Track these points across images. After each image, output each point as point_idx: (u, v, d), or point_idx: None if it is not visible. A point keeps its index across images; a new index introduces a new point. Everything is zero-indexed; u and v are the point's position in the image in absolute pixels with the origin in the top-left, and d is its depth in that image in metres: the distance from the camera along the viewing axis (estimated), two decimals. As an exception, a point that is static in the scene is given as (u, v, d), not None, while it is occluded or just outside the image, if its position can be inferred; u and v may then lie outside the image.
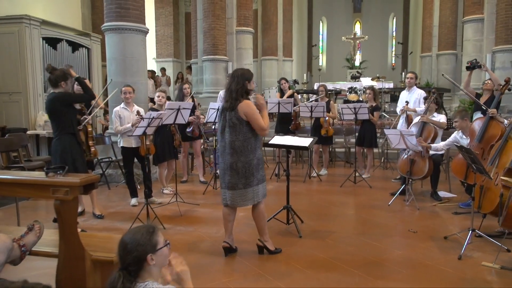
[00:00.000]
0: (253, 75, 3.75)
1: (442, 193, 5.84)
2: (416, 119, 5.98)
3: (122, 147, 5.40)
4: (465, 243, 3.77)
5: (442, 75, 6.35)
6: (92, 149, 5.04)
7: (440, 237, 4.23)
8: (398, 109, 7.01)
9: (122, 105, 5.48)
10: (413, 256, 3.79)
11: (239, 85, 3.57)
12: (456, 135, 5.33)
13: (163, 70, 14.79)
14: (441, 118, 5.84)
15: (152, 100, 10.70)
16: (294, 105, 7.23)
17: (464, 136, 5.24)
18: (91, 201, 5.11)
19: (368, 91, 7.38)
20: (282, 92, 7.81)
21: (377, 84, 12.52)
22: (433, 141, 5.61)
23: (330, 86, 14.10)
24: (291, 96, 7.56)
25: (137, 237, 1.87)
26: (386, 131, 6.08)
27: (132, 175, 5.53)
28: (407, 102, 6.62)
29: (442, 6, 15.09)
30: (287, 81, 7.87)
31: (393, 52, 24.17)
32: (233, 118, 3.54)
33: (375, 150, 8.55)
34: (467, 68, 6.02)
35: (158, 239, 1.91)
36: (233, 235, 3.89)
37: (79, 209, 5.10)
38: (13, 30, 8.40)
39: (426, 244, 4.07)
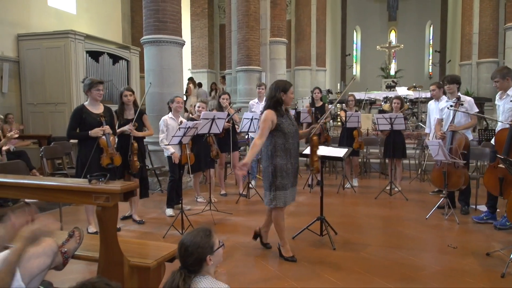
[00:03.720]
0: (290, 86, 3.84)
1: (482, 207, 5.59)
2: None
3: (168, 156, 5.50)
4: (509, 260, 3.60)
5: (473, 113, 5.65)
6: (136, 164, 5.05)
7: (481, 253, 4.05)
8: (428, 120, 6.77)
9: (170, 114, 5.58)
10: (453, 272, 3.65)
11: (272, 95, 3.77)
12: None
13: (199, 84, 14.85)
14: (470, 106, 5.46)
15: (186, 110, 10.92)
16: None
17: (499, 98, 4.97)
18: (131, 206, 5.32)
19: (395, 101, 7.12)
20: (313, 102, 7.77)
21: (413, 94, 12.26)
22: (466, 148, 5.33)
23: (362, 95, 13.93)
24: (322, 107, 7.52)
25: (197, 240, 2.02)
26: (428, 142, 5.82)
27: (175, 183, 5.57)
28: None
29: (482, 13, 14.66)
30: (320, 91, 7.82)
31: (430, 61, 23.63)
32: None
33: (412, 162, 8.40)
34: None
35: (214, 240, 2.08)
36: (273, 244, 4.05)
37: (127, 214, 5.36)
38: (60, 45, 8.86)
39: (467, 260, 3.91)
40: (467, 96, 5.78)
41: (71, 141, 8.19)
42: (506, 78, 4.84)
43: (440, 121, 5.84)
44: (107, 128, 4.53)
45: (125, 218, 5.33)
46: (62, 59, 8.84)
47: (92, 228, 4.80)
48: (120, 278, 2.59)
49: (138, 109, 5.14)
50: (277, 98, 3.72)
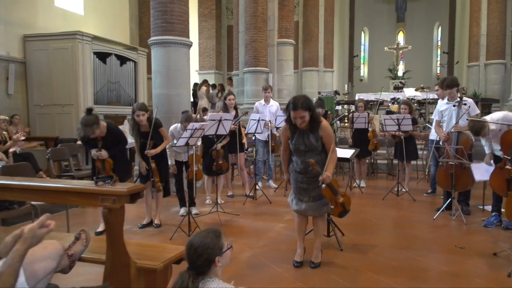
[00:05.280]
0: (295, 106, 3.50)
1: (489, 207, 5.52)
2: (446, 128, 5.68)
3: (175, 160, 5.54)
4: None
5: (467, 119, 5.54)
6: (158, 185, 5.02)
7: (489, 253, 4.03)
8: (434, 117, 6.70)
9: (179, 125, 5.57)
10: (461, 273, 3.63)
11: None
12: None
13: (212, 85, 14.68)
14: (472, 108, 5.41)
15: (205, 109, 10.92)
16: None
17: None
18: (148, 212, 5.31)
19: (403, 106, 7.03)
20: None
21: (421, 95, 12.18)
22: (471, 148, 5.32)
23: (372, 96, 13.88)
24: (324, 115, 7.51)
25: (206, 241, 2.03)
26: (472, 165, 5.39)
27: (182, 184, 5.64)
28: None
29: (490, 15, 14.59)
30: (323, 105, 7.77)
31: (438, 62, 23.47)
32: None
33: (419, 163, 8.36)
34: None
35: (224, 242, 2.09)
36: (280, 245, 4.06)
37: (145, 221, 5.25)
38: (67, 46, 8.91)
39: (474, 260, 3.90)
40: (468, 98, 5.74)
41: (78, 142, 8.27)
42: None
43: (438, 123, 5.85)
44: (101, 155, 4.55)
45: (144, 226, 5.18)
46: (69, 60, 8.88)
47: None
48: (126, 280, 2.59)
49: (152, 126, 4.91)
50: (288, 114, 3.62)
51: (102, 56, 9.67)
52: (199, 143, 5.48)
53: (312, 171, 3.57)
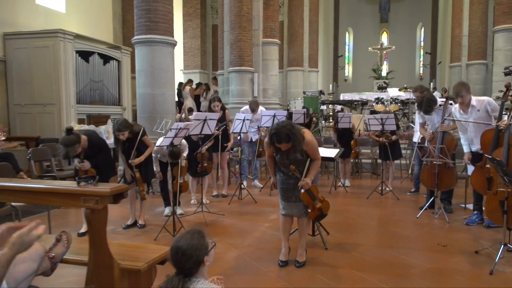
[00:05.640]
0: (278, 140, 3.49)
1: (471, 206, 5.61)
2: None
3: (159, 161, 5.49)
4: (497, 258, 3.65)
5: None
6: (142, 194, 5.01)
7: (471, 251, 4.11)
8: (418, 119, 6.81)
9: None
10: (443, 270, 3.69)
11: None
12: (453, 110, 5.07)
13: (197, 84, 14.59)
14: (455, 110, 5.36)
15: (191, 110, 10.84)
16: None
17: (462, 112, 4.94)
18: (136, 209, 5.26)
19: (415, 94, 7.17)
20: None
21: (404, 95, 12.34)
22: (454, 148, 5.41)
23: (356, 96, 14.02)
24: (308, 123, 7.60)
25: (193, 242, 2.01)
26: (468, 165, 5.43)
27: (166, 183, 5.61)
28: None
29: (471, 15, 14.85)
30: (307, 111, 7.91)
31: (421, 62, 23.85)
32: None
33: (403, 162, 8.47)
34: (506, 74, 5.74)
35: (208, 241, 2.08)
36: (265, 244, 4.02)
37: (129, 222, 5.20)
38: (48, 44, 8.73)
39: (456, 258, 3.96)
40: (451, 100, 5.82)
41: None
42: (469, 92, 4.88)
43: (423, 125, 5.94)
44: (83, 166, 4.54)
45: (128, 226, 5.13)
46: (51, 59, 8.70)
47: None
48: (110, 282, 2.56)
49: (138, 138, 4.89)
50: None
51: (84, 55, 9.52)
52: (185, 153, 5.43)
53: (294, 175, 3.65)
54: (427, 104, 5.42)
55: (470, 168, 5.12)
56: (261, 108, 7.61)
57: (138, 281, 2.63)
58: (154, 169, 5.36)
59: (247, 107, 7.55)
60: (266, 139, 3.69)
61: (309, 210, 3.77)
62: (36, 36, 8.84)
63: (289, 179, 3.74)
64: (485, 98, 5.00)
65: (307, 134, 3.64)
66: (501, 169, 3.69)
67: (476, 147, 4.91)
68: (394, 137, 6.92)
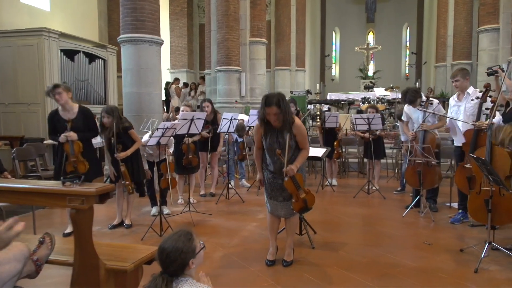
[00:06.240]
0: (268, 102, 3.45)
1: (456, 205, 5.69)
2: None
3: (147, 161, 5.47)
4: (482, 256, 3.71)
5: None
6: (129, 188, 4.91)
7: (456, 249, 4.16)
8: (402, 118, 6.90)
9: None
10: (428, 269, 3.73)
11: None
12: (450, 99, 5.22)
13: (184, 84, 14.59)
14: (436, 107, 5.53)
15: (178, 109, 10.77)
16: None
17: (456, 99, 5.09)
18: (122, 209, 5.21)
19: (369, 110, 7.25)
20: None
21: (390, 94, 12.47)
22: (437, 147, 5.48)
23: (343, 96, 14.12)
24: (296, 114, 7.58)
25: (179, 245, 1.96)
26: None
27: (152, 183, 5.59)
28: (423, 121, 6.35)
29: (456, 16, 15.05)
30: (295, 103, 7.83)
31: (407, 62, 24.07)
32: None
33: (389, 161, 8.55)
34: (488, 74, 5.78)
35: (196, 243, 2.04)
36: (253, 244, 4.00)
37: (115, 222, 5.14)
38: (33, 43, 8.60)
39: (442, 256, 4.01)
40: (434, 99, 5.89)
41: (46, 142, 8.02)
42: (466, 78, 4.98)
43: (407, 123, 6.00)
44: (70, 135, 4.43)
45: (114, 227, 5.07)
46: (35, 57, 8.58)
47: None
48: (95, 282, 2.53)
49: (122, 127, 4.84)
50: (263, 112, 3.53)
51: (69, 54, 9.40)
52: (171, 150, 5.39)
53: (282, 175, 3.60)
54: (411, 95, 5.53)
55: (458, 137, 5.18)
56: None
57: (124, 281, 2.61)
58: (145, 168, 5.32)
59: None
60: (256, 123, 3.69)
61: (293, 200, 3.64)
62: (20, 35, 8.71)
63: (276, 178, 3.71)
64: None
65: (297, 119, 3.66)
66: (486, 168, 3.74)
67: (460, 141, 4.98)
68: (378, 132, 7.00)
